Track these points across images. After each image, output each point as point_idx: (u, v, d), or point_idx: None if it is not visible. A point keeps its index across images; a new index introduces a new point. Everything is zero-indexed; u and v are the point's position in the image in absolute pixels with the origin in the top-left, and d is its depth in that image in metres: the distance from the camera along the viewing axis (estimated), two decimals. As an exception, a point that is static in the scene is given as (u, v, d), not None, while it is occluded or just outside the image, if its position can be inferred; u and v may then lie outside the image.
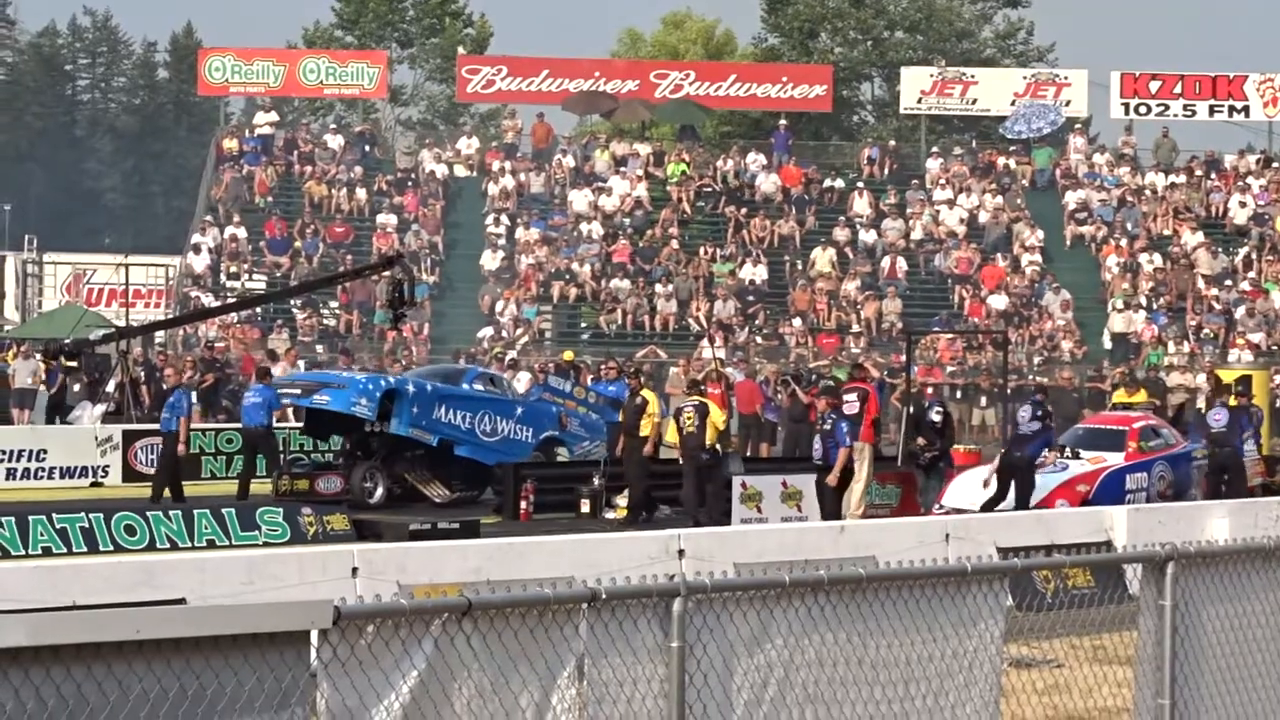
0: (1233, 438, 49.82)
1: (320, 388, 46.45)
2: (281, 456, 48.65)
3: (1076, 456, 46.09)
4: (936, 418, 53.16)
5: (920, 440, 50.40)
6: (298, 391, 46.83)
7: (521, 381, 61.45)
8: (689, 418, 47.54)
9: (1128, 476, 45.47)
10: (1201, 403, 57.73)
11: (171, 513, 40.34)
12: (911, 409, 55.10)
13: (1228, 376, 58.53)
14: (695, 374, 64.86)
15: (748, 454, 57.07)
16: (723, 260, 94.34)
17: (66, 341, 68.87)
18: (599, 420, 51.27)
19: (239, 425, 57.19)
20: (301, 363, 69.93)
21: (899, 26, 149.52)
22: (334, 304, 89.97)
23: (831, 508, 42.68)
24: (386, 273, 58.32)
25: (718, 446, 48.60)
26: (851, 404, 50.28)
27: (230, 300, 76.30)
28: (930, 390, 63.83)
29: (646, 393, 49.00)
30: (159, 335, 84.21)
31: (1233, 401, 52.14)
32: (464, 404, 47.76)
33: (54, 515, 38.71)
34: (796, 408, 60.02)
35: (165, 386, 51.57)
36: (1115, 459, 45.85)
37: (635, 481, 46.49)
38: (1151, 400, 56.49)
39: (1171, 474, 46.66)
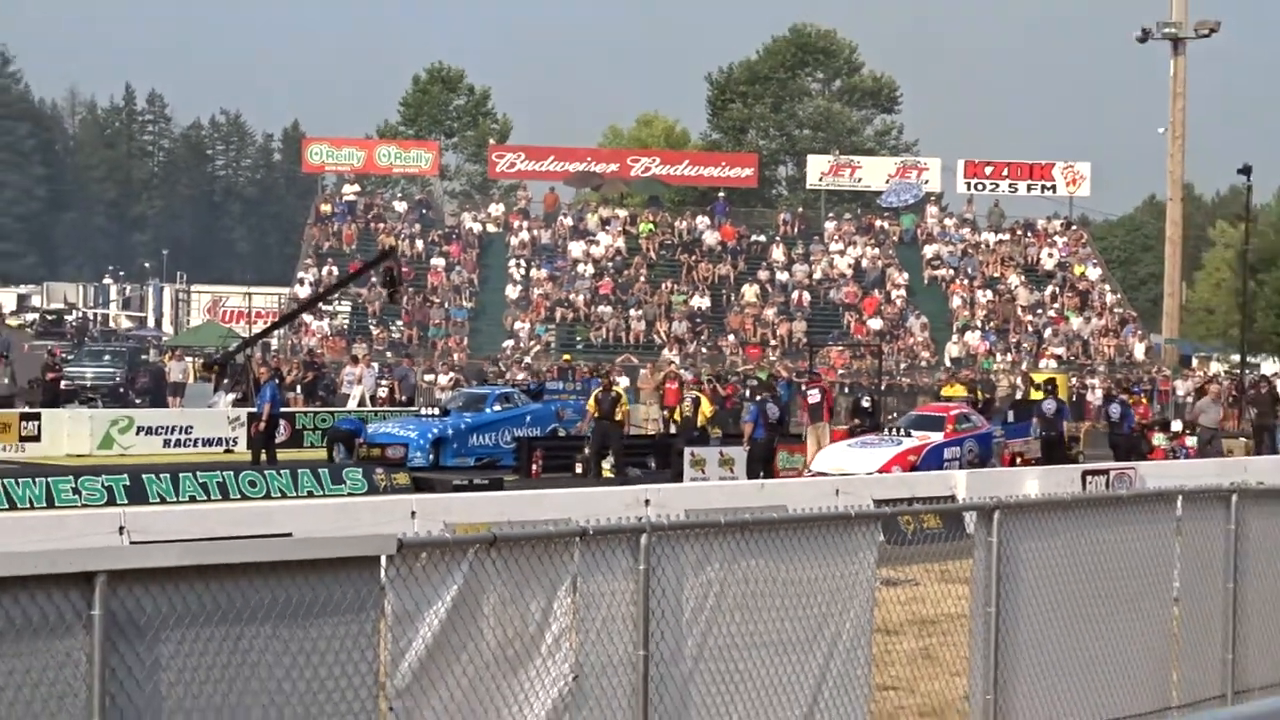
0: (1059, 421, 50.10)
1: (390, 446, 46.53)
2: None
3: (909, 434, 46.31)
4: (866, 404, 53.87)
5: (855, 420, 51.41)
6: (380, 445, 46.83)
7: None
8: (687, 406, 48.95)
9: (945, 450, 45.68)
10: (1019, 395, 57.63)
11: (282, 470, 40.30)
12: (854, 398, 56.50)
13: (1039, 378, 58.62)
14: (670, 373, 65.05)
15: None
16: (678, 292, 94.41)
17: (213, 354, 69.14)
18: (583, 404, 51.50)
19: (331, 409, 57.32)
20: (375, 364, 69.67)
21: (805, 126, 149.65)
22: (399, 322, 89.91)
23: (754, 471, 42.84)
24: (388, 261, 59.10)
25: (705, 427, 50.15)
26: (814, 395, 51.22)
27: (286, 313, 75.66)
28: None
29: (617, 389, 49.30)
30: (273, 342, 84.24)
31: (1040, 394, 52.49)
32: (490, 427, 48.10)
33: (197, 473, 38.62)
34: (718, 399, 60.13)
35: (260, 381, 51.34)
36: (937, 437, 46.07)
37: (619, 454, 46.66)
38: (970, 394, 56.49)
39: (978, 448, 46.84)
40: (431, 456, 45.92)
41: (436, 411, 50.39)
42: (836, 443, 48.27)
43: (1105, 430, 50.85)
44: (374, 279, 62.04)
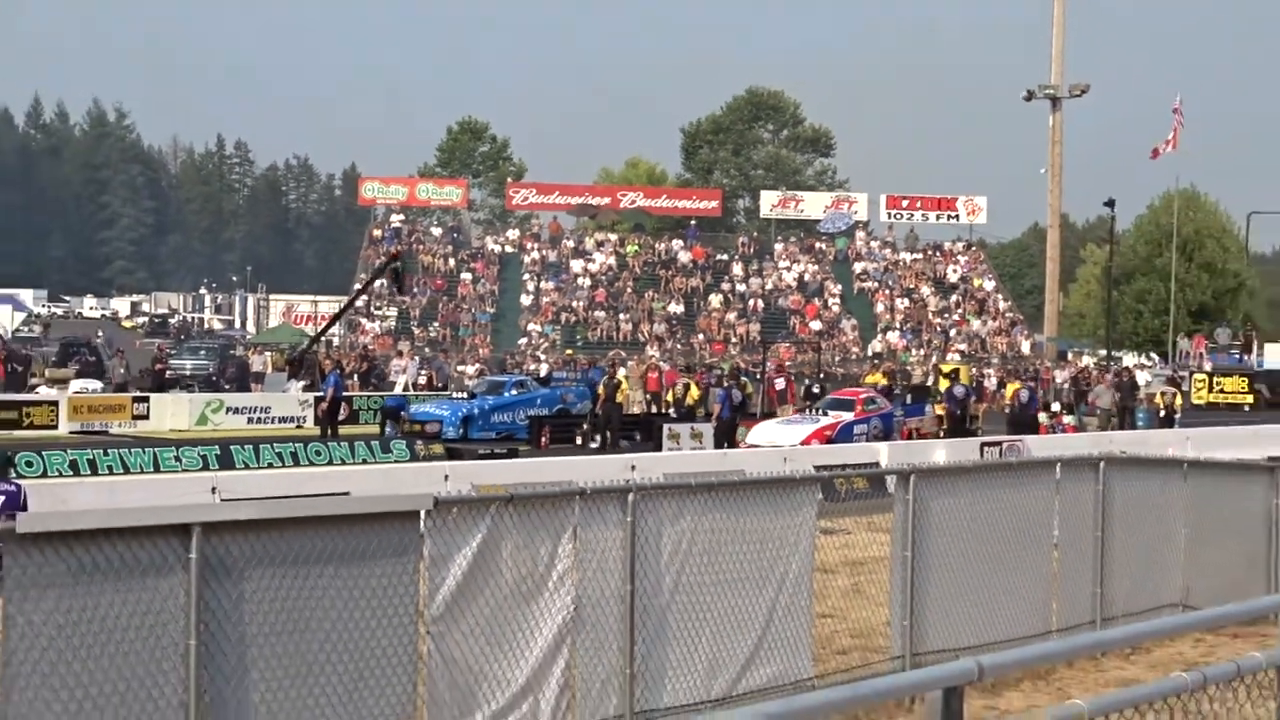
0: (968, 402, 50.38)
1: (428, 422, 46.46)
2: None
3: (826, 414, 46.18)
4: (816, 389, 54.01)
5: (806, 401, 51.55)
6: (410, 424, 46.74)
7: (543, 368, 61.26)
8: (679, 390, 51.54)
9: (855, 426, 45.41)
10: (930, 382, 57.63)
11: (342, 443, 40.25)
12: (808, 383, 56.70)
13: (947, 368, 58.61)
14: (651, 365, 65.02)
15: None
16: (658, 300, 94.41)
17: (289, 352, 69.29)
18: (585, 389, 51.41)
19: (381, 394, 57.28)
20: (417, 357, 69.60)
21: (759, 168, 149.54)
22: (436, 324, 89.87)
23: (719, 443, 42.79)
24: (396, 263, 59.24)
25: (693, 406, 50.91)
26: (780, 383, 51.55)
27: (333, 315, 75.26)
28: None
29: (619, 377, 49.38)
30: (335, 339, 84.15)
31: (963, 379, 52.75)
32: (508, 408, 48.06)
33: (274, 444, 38.58)
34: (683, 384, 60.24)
35: (324, 371, 51.44)
36: (848, 416, 45.82)
37: (615, 428, 46.65)
38: (890, 381, 56.54)
39: (882, 425, 46.60)
40: (461, 431, 45.90)
41: (465, 395, 50.45)
42: (766, 420, 47.96)
43: (1013, 409, 50.72)
44: (385, 280, 61.93)
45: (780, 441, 42.47)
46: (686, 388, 52.40)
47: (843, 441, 42.81)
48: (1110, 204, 78.27)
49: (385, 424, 48.55)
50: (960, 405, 50.24)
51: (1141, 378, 64.82)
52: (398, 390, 60.03)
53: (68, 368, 63.98)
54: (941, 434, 48.24)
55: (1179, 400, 58.43)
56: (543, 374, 55.47)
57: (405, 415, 47.70)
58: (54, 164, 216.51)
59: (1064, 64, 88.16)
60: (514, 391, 49.21)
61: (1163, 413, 54.96)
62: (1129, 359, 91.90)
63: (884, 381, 53.07)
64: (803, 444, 41.93)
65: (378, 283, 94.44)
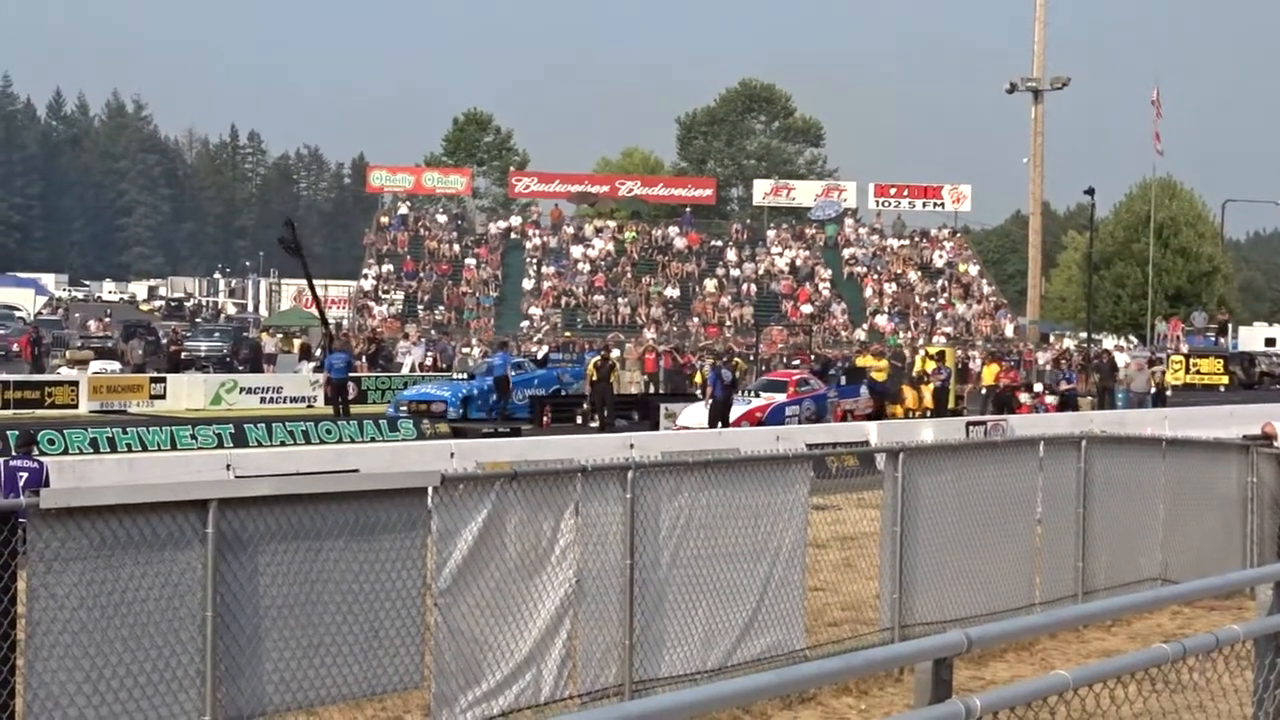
0: (947, 381, 50.20)
1: (433, 402, 46.14)
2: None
3: (758, 395, 45.02)
4: (832, 371, 53.23)
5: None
6: (415, 404, 46.33)
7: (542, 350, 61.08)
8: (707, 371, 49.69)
9: (787, 408, 43.98)
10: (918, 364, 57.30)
11: (352, 421, 40.28)
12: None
13: (932, 350, 58.47)
14: (649, 347, 64.97)
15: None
16: (654, 285, 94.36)
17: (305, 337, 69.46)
18: (580, 370, 51.20)
19: (389, 374, 57.29)
20: (423, 339, 69.61)
21: (752, 157, 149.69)
22: (441, 307, 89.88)
23: (714, 422, 42.44)
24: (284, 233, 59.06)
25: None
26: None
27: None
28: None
29: (612, 359, 49.22)
30: (344, 321, 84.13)
31: (932, 364, 52.38)
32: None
33: (286, 422, 38.56)
34: (677, 365, 59.92)
35: (330, 352, 51.37)
36: (780, 397, 44.37)
37: (611, 407, 46.50)
38: (893, 364, 55.66)
39: (815, 406, 45.11)
40: (461, 411, 45.65)
41: (465, 376, 50.18)
42: (697, 403, 46.41)
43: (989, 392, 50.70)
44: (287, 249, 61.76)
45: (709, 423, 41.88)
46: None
47: (774, 423, 41.56)
48: (1090, 192, 78.05)
49: (337, 400, 47.86)
50: (944, 383, 50.19)
51: (1121, 360, 64.71)
52: (404, 371, 60.06)
53: (131, 345, 64.41)
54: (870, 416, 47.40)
55: (1168, 378, 58.47)
56: (540, 355, 55.03)
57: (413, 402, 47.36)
58: (75, 154, 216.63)
59: (1045, 57, 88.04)
60: (512, 373, 48.94)
61: (1153, 390, 54.64)
62: (1108, 341, 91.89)
63: (876, 362, 51.98)
64: (734, 424, 41.10)
65: (384, 267, 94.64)
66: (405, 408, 45.35)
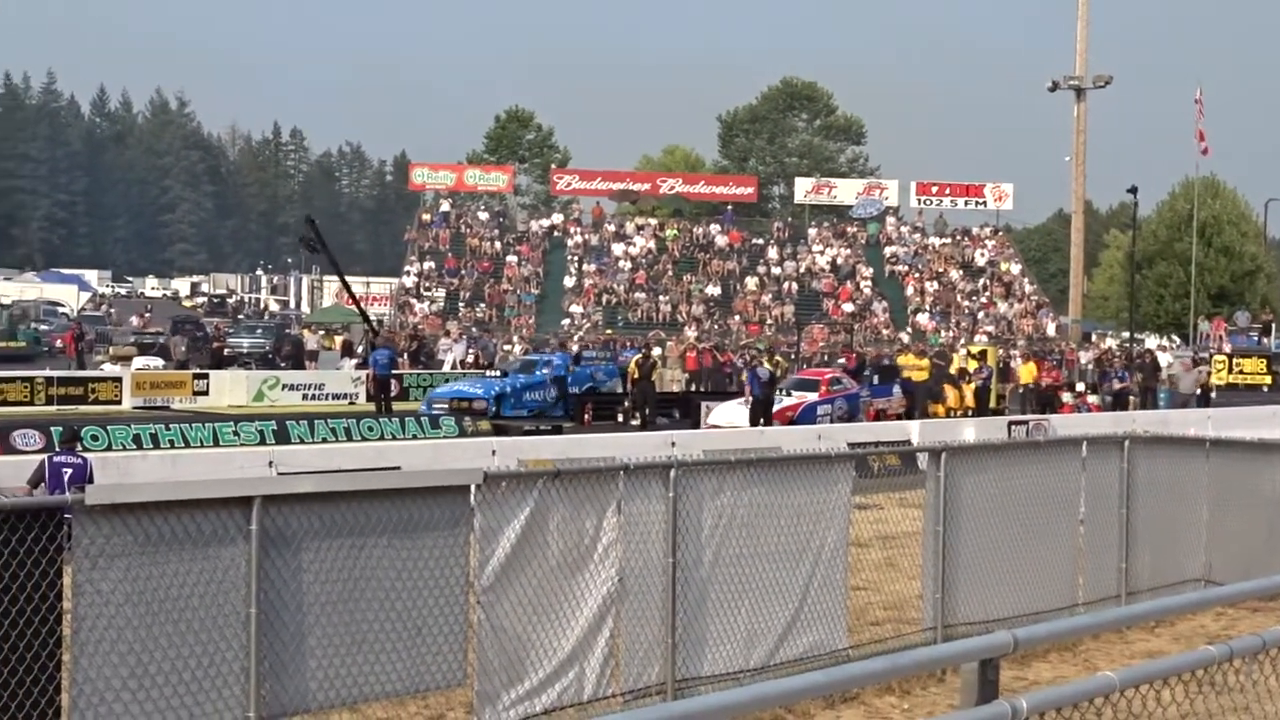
0: (988, 380, 49.96)
1: (470, 397, 45.91)
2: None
3: (790, 394, 44.52)
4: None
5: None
6: (456, 401, 46.07)
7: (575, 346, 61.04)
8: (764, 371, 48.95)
9: (819, 407, 43.61)
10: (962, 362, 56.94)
11: (394, 419, 40.34)
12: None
13: (974, 349, 58.27)
14: (690, 345, 64.97)
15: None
16: (696, 283, 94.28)
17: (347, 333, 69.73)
18: (614, 368, 51.01)
19: (430, 371, 57.33)
20: (465, 336, 69.71)
21: (794, 155, 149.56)
22: (482, 304, 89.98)
23: (754, 420, 42.24)
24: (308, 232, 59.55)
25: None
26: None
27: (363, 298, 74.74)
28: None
29: (653, 357, 49.12)
30: (385, 318, 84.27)
31: (974, 363, 52.15)
32: (539, 388, 46.98)
33: (328, 419, 38.65)
34: (716, 363, 59.70)
35: (374, 348, 51.38)
36: (812, 396, 44.00)
37: (653, 406, 46.41)
38: (935, 363, 55.19)
39: (846, 406, 44.71)
40: (494, 408, 45.40)
41: (498, 373, 49.92)
42: (729, 401, 46.16)
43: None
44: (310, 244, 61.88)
45: (740, 422, 41.56)
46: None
47: (805, 422, 41.35)
48: (1133, 191, 77.77)
49: (380, 396, 47.81)
50: (986, 382, 50.07)
51: (1163, 359, 64.47)
52: (446, 368, 60.07)
53: (174, 340, 64.73)
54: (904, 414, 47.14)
55: (1213, 378, 58.22)
56: (573, 353, 54.71)
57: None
58: (118, 150, 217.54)
59: (1088, 55, 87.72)
60: (545, 370, 48.72)
61: (1199, 391, 54.27)
62: (1151, 341, 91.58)
63: (917, 362, 51.53)
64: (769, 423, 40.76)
65: (425, 264, 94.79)
66: (439, 405, 45.19)
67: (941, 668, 10.57)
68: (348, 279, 65.31)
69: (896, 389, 48.50)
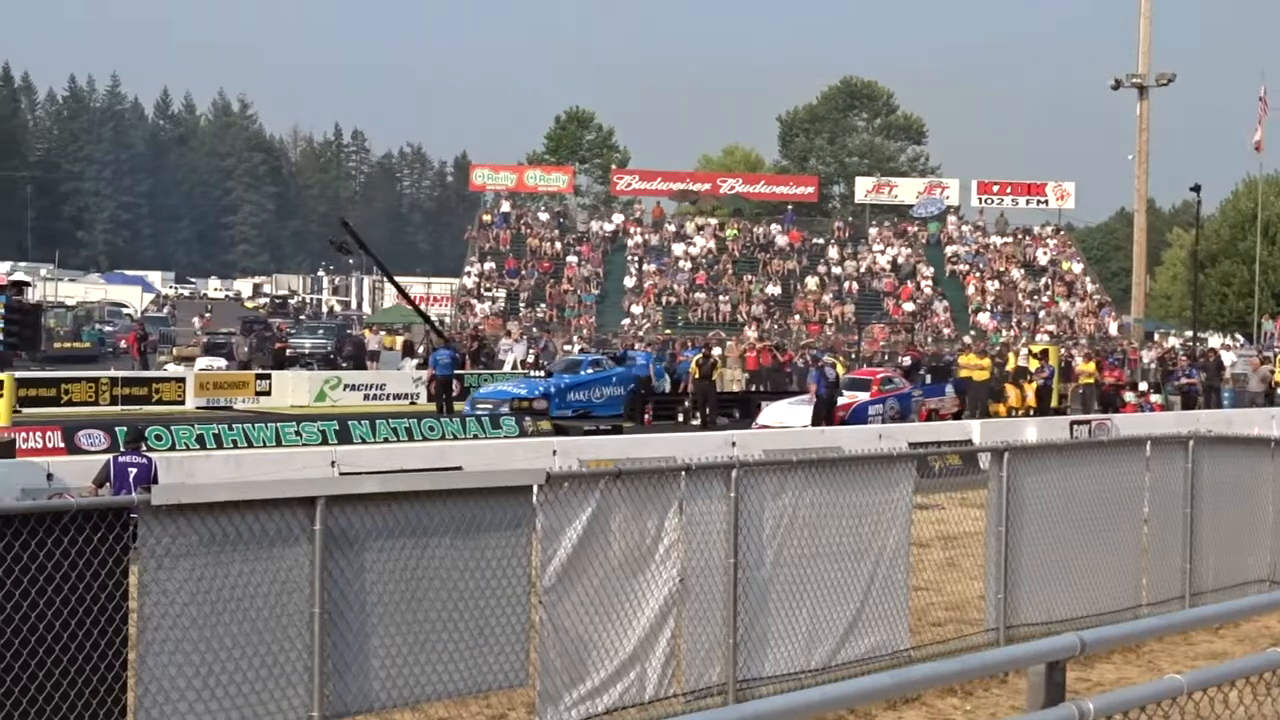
0: (1050, 379, 49.59)
1: (509, 397, 45.74)
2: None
3: (841, 394, 43.60)
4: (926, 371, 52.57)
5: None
6: (516, 401, 45.91)
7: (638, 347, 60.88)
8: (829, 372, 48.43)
9: (870, 407, 43.15)
10: (1023, 361, 56.56)
11: (455, 419, 40.43)
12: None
13: (1036, 349, 57.98)
14: (750, 345, 64.84)
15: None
16: (756, 282, 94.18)
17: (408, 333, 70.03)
18: (660, 369, 50.93)
19: (490, 372, 57.39)
20: (525, 336, 69.79)
21: (854, 154, 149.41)
22: (543, 305, 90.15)
23: (817, 420, 41.99)
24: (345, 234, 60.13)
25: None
26: (906, 361, 50.21)
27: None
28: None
29: (714, 357, 48.94)
30: (446, 318, 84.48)
31: (1036, 363, 51.80)
32: (584, 387, 46.64)
33: (390, 419, 38.75)
34: (776, 363, 59.52)
35: (434, 349, 51.47)
36: (864, 396, 43.51)
37: (714, 406, 46.32)
38: (991, 363, 54.73)
39: (898, 405, 44.32)
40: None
41: (543, 373, 49.70)
42: (779, 400, 45.53)
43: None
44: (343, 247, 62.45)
45: (790, 422, 41.06)
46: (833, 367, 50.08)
47: (857, 422, 41.12)
48: (1196, 189, 77.36)
49: (441, 396, 47.81)
50: (1048, 380, 49.75)
51: (1227, 358, 64.04)
52: (506, 369, 60.11)
53: (236, 341, 65.16)
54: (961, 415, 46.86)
55: (1277, 376, 57.84)
56: (619, 353, 54.41)
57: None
58: (181, 153, 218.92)
59: (1151, 53, 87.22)
60: (590, 370, 48.45)
61: (1265, 389, 53.83)
62: (1214, 340, 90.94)
63: (978, 361, 51.19)
64: (814, 424, 40.27)
65: (486, 264, 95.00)
66: (483, 405, 45.08)
67: (1010, 670, 10.53)
68: (400, 278, 65.55)
69: (949, 388, 48.22)
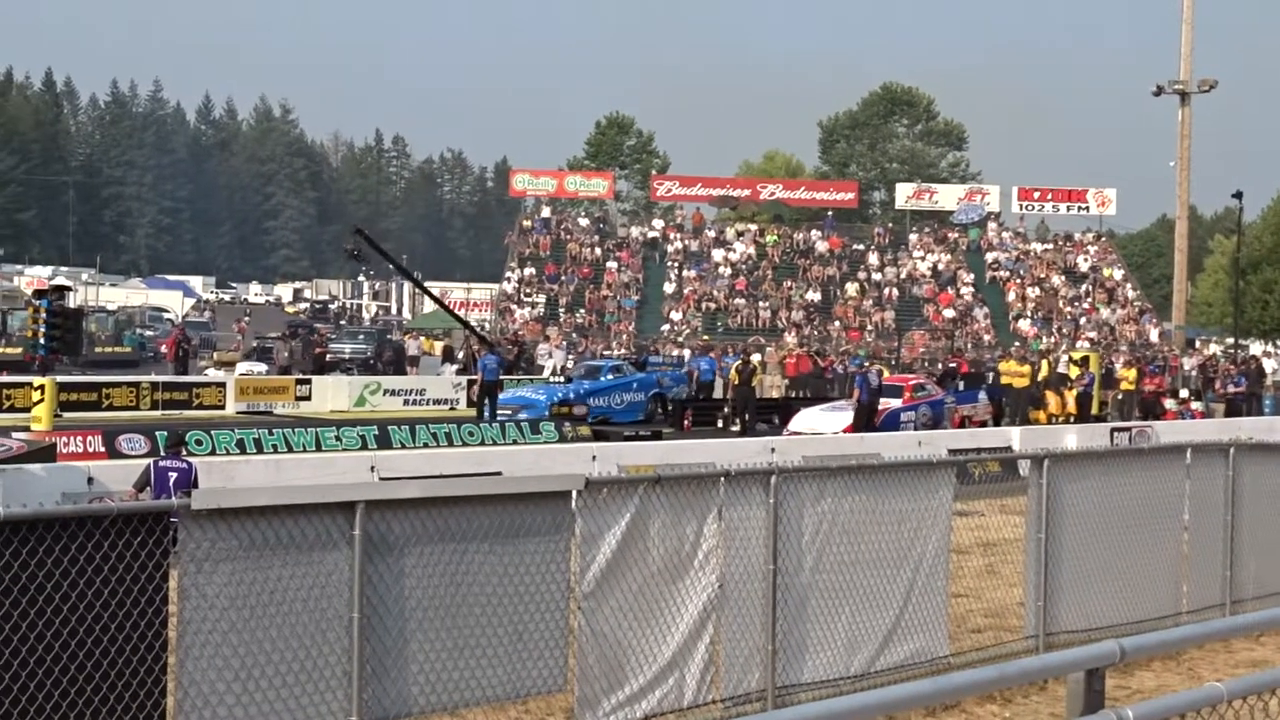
0: (1090, 386, 49.44)
1: (525, 403, 45.65)
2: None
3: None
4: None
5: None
6: (557, 405, 45.75)
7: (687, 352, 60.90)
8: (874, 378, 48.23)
9: (902, 414, 42.78)
10: (1063, 369, 56.34)
11: (495, 424, 40.47)
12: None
13: (1076, 356, 57.79)
14: (790, 351, 64.84)
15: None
16: (796, 288, 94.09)
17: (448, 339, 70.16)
18: (682, 374, 50.88)
19: (530, 377, 57.42)
20: (565, 342, 69.90)
21: (894, 161, 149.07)
22: (582, 310, 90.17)
23: (858, 426, 41.72)
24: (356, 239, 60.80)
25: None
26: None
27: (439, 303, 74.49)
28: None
29: (753, 363, 48.82)
30: (486, 324, 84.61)
31: (1077, 370, 51.58)
32: (603, 392, 46.59)
33: (430, 424, 38.81)
34: (817, 369, 59.47)
35: (477, 354, 51.49)
36: (896, 403, 42.98)
37: (753, 412, 46.25)
38: (1030, 371, 54.50)
39: (931, 412, 43.94)
40: (549, 414, 44.77)
41: (562, 379, 49.36)
42: (811, 407, 45.15)
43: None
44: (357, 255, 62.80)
45: (821, 428, 40.72)
46: (879, 374, 49.55)
47: (889, 429, 40.75)
48: (1238, 196, 77.16)
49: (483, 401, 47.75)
50: (1088, 388, 49.58)
51: (1269, 365, 63.78)
52: (546, 374, 60.13)
53: (294, 342, 65.50)
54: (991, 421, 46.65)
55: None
56: (640, 358, 54.21)
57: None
58: (223, 158, 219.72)
59: (1193, 60, 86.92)
60: (610, 376, 48.18)
61: None
62: (1255, 347, 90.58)
63: (1018, 368, 50.97)
64: (845, 431, 39.82)
65: (526, 270, 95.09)
66: (502, 411, 44.96)
67: (1049, 677, 10.49)
68: (440, 284, 65.79)
69: (982, 395, 48.08)
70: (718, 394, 52.81)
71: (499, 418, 42.98)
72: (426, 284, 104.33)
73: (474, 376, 49.57)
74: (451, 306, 67.80)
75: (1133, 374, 52.54)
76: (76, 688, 9.46)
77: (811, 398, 51.46)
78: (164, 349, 72.60)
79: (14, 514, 9.32)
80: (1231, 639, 16.75)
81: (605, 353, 70.82)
